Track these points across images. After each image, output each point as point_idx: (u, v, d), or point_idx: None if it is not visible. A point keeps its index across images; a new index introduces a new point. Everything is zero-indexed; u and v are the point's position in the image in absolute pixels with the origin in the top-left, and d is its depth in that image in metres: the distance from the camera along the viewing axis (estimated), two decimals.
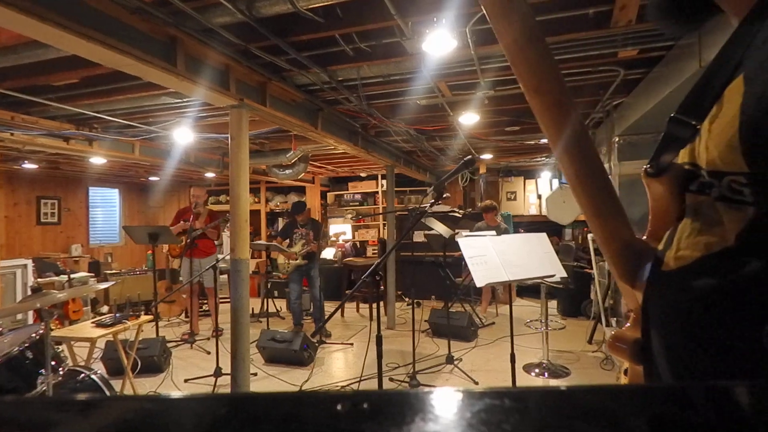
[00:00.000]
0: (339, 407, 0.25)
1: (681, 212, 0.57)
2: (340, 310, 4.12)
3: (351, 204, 9.03)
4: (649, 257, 0.61)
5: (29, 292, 5.44)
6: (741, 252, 0.46)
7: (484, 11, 0.67)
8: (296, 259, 5.27)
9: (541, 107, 0.66)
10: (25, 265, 5.75)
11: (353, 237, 8.78)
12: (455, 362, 4.12)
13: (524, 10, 0.65)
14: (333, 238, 6.11)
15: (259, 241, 7.54)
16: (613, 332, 0.70)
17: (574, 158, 0.65)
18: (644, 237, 0.66)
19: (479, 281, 3.01)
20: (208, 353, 4.61)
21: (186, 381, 3.90)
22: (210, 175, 7.25)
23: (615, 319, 4.31)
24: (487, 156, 6.81)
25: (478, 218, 6.12)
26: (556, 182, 7.87)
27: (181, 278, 5.89)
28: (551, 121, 0.66)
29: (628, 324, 0.68)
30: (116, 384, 3.15)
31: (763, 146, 0.41)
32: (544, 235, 3.69)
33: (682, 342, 0.54)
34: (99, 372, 2.69)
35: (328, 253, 8.07)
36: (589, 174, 0.65)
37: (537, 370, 3.96)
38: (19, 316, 5.33)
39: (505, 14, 0.65)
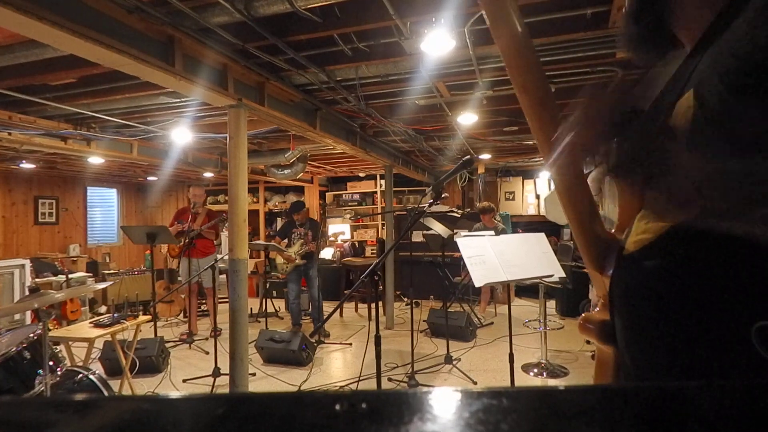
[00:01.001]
0: (337, 407, 0.25)
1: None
2: (338, 310, 4.11)
3: (350, 204, 9.02)
4: (616, 247, 0.70)
5: (27, 293, 5.42)
6: (681, 233, 0.55)
7: (485, 15, 0.80)
8: (294, 261, 5.27)
9: (528, 104, 0.78)
10: (23, 265, 5.74)
11: (352, 237, 8.77)
12: (454, 362, 4.12)
13: (518, 16, 0.76)
14: (332, 238, 6.11)
15: (257, 241, 7.53)
16: (583, 315, 0.80)
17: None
18: (613, 230, 0.77)
19: (478, 281, 3.02)
20: (207, 353, 4.61)
21: (184, 381, 3.90)
22: (208, 174, 7.24)
23: None
24: (485, 156, 6.81)
25: (477, 219, 6.12)
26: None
27: (179, 278, 5.88)
28: (538, 120, 0.77)
29: (598, 308, 0.76)
30: (114, 384, 3.14)
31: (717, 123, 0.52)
32: (542, 235, 3.69)
33: (635, 315, 0.62)
34: (97, 372, 2.69)
35: (326, 253, 8.06)
36: (570, 173, 0.75)
37: (535, 370, 3.96)
38: (17, 317, 5.31)
39: (504, 19, 0.76)
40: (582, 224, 0.75)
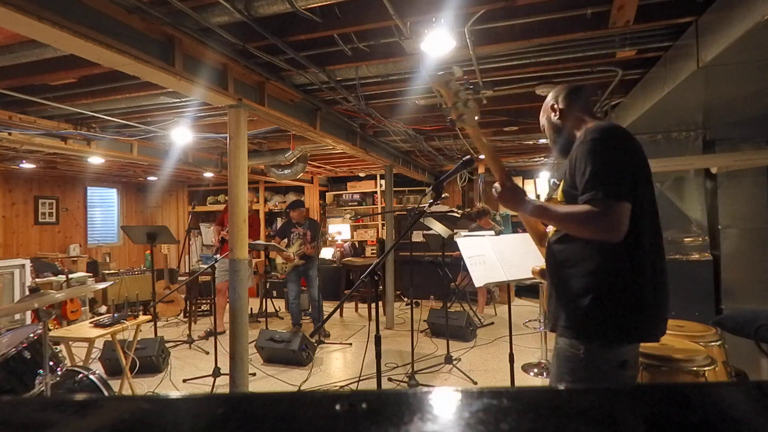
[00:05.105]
0: (337, 407, 0.25)
1: None
2: (338, 310, 4.10)
3: (350, 204, 9.02)
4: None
5: (27, 292, 5.42)
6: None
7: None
8: (293, 260, 5.27)
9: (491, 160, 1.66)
10: (23, 265, 5.73)
11: (352, 237, 8.77)
12: (454, 362, 4.12)
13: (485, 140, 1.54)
14: (330, 238, 6.12)
15: (257, 241, 7.53)
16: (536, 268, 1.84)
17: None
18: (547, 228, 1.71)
19: (478, 281, 3.01)
20: (207, 353, 4.61)
21: (184, 381, 3.90)
22: (208, 174, 7.24)
23: None
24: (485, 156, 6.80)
25: (474, 220, 6.13)
26: (554, 182, 7.88)
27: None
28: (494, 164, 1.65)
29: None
30: (114, 384, 3.14)
31: (568, 198, 1.46)
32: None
33: (549, 266, 1.59)
34: (97, 372, 2.69)
35: (326, 253, 8.06)
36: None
37: (535, 370, 3.96)
38: (17, 317, 5.31)
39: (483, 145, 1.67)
40: (534, 226, 1.83)
